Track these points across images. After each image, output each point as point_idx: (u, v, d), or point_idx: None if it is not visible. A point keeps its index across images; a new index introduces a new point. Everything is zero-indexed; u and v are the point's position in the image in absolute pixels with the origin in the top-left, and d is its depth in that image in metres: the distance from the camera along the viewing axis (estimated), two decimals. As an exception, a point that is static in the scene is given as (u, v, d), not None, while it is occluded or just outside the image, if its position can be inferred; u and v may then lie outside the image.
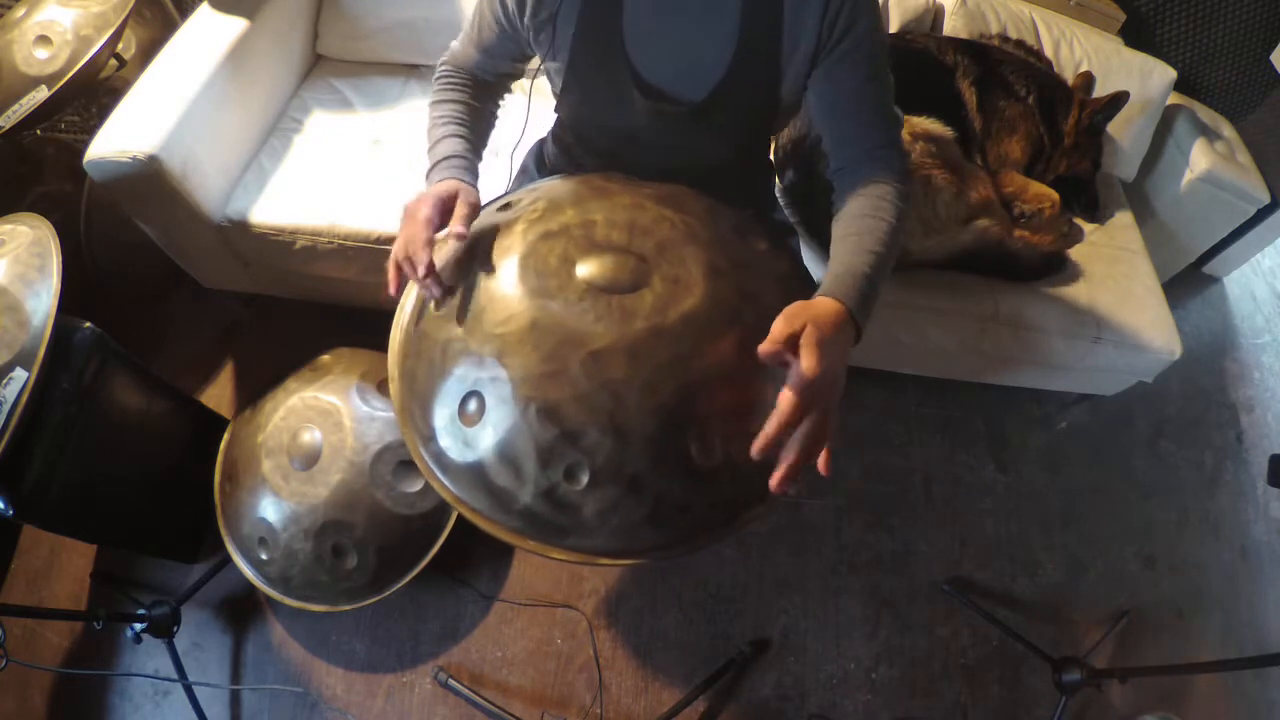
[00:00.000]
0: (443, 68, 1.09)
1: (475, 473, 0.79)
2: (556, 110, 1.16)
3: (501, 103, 1.16)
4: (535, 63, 1.06)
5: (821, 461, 0.75)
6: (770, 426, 0.72)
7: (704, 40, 0.94)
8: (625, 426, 0.76)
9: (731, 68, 0.96)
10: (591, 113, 1.09)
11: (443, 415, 0.81)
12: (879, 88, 0.96)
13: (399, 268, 0.89)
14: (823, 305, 0.79)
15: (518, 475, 0.77)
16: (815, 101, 0.98)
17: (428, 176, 0.98)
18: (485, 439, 0.78)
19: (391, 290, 0.90)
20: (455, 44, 1.09)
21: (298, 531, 1.47)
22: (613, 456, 0.76)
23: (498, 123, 1.15)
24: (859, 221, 0.91)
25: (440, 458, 0.82)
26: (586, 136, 1.16)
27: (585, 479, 0.76)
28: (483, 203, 1.05)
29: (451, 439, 0.81)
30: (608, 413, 0.75)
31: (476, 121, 1.06)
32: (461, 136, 1.01)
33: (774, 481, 0.73)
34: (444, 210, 0.90)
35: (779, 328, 0.74)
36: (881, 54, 0.95)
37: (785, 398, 0.72)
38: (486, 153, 1.09)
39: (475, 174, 0.99)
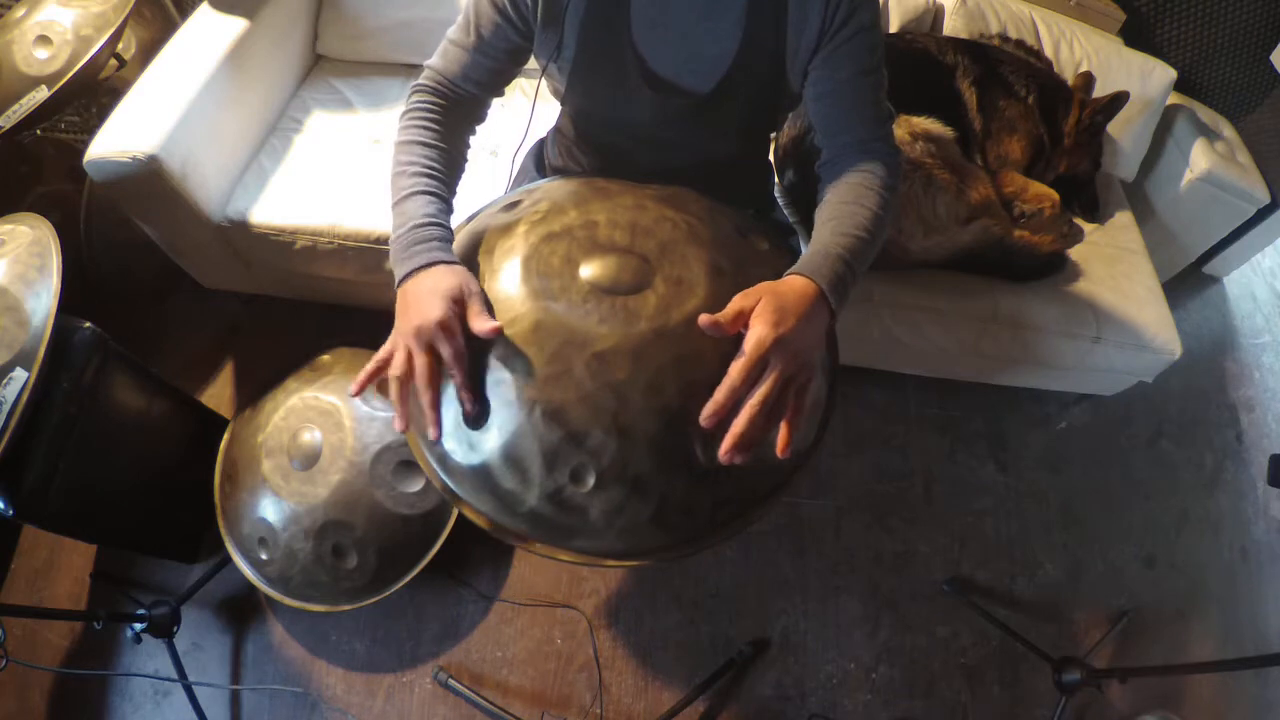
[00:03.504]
0: (414, 98, 0.97)
1: (481, 475, 0.79)
2: (562, 104, 1.16)
3: (472, 138, 1.03)
4: (538, 63, 1.06)
5: (780, 441, 0.74)
6: (718, 393, 0.72)
7: (709, 32, 0.95)
8: (629, 427, 0.76)
9: (736, 60, 0.96)
10: (596, 107, 1.09)
11: (447, 418, 0.81)
12: (874, 81, 0.96)
13: (403, 388, 0.78)
14: (788, 281, 0.80)
15: (523, 478, 0.77)
16: (810, 91, 0.98)
17: (397, 240, 0.85)
18: (490, 441, 0.78)
19: (400, 425, 0.79)
20: (433, 60, 0.99)
21: (298, 531, 1.47)
22: (618, 458, 0.75)
23: (498, 123, 1.15)
24: (839, 208, 0.92)
25: (445, 460, 0.82)
26: (589, 133, 1.16)
27: (591, 481, 0.76)
28: (480, 205, 1.05)
29: (456, 442, 0.80)
30: (612, 414, 0.75)
31: (449, 169, 0.94)
32: (434, 194, 0.89)
33: (721, 450, 0.73)
34: (460, 316, 0.79)
35: (733, 303, 0.76)
36: (878, 48, 0.96)
37: (733, 365, 0.73)
38: (486, 153, 1.08)
39: (452, 240, 0.88)
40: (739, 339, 0.76)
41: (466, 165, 1.01)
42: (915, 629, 1.78)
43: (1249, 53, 2.12)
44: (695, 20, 0.94)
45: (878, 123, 0.98)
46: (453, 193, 0.94)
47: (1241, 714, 1.81)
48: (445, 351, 0.77)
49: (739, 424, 0.72)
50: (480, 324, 0.78)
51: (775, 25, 0.93)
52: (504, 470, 0.78)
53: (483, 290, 0.82)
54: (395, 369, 0.78)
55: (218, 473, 1.62)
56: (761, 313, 0.74)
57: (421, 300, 0.78)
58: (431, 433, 0.78)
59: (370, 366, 0.80)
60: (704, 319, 0.74)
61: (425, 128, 0.94)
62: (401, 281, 0.83)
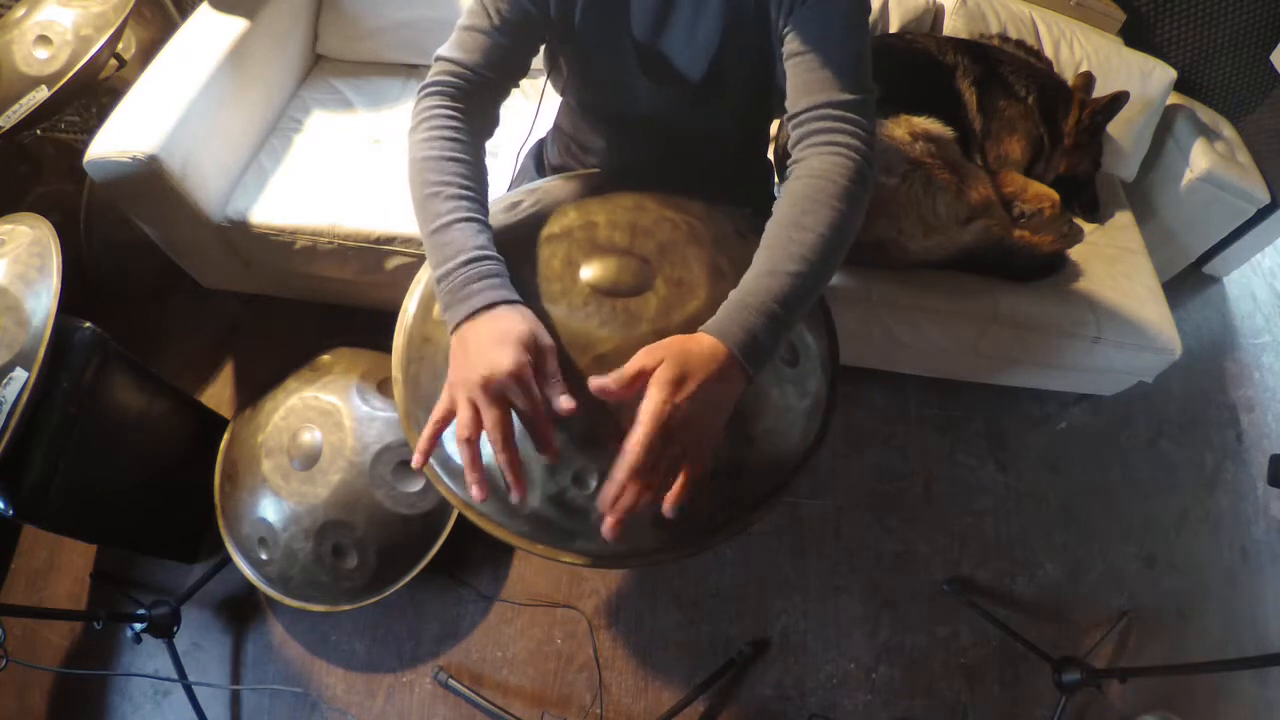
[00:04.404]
0: (429, 103, 0.88)
1: None
2: (562, 95, 1.16)
3: (489, 139, 0.94)
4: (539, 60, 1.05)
5: (666, 501, 0.69)
6: (620, 473, 0.67)
7: (699, 19, 0.95)
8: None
9: (722, 44, 0.96)
10: (595, 97, 1.09)
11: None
12: (851, 49, 0.85)
13: (474, 450, 0.70)
14: (697, 340, 0.72)
15: (526, 480, 0.77)
16: (783, 53, 0.89)
17: (449, 276, 0.76)
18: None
19: (479, 494, 0.70)
20: (446, 50, 0.90)
21: (298, 531, 1.47)
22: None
23: (503, 124, 1.14)
24: (777, 232, 0.79)
25: (446, 463, 0.81)
26: (588, 127, 1.16)
27: (594, 483, 0.76)
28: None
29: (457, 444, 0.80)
30: (614, 417, 0.75)
31: (480, 186, 0.85)
32: (478, 220, 0.80)
33: (606, 529, 0.68)
34: (534, 366, 0.71)
35: (631, 363, 0.70)
36: (858, 15, 0.87)
37: (630, 440, 0.67)
38: (486, 154, 1.07)
39: (508, 275, 0.78)
40: None
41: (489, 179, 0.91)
42: (915, 629, 1.78)
43: (1249, 53, 2.12)
44: (686, 7, 0.94)
45: (853, 89, 0.84)
46: (488, 213, 0.85)
47: (1241, 714, 1.81)
48: (521, 403, 0.69)
49: (624, 503, 0.68)
50: (559, 396, 0.70)
51: (758, 4, 0.92)
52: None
53: (555, 343, 0.74)
54: (463, 430, 0.69)
55: (218, 473, 1.62)
56: (659, 379, 0.68)
57: (487, 347, 0.70)
58: (515, 496, 0.71)
59: (429, 430, 0.72)
60: (594, 382, 0.69)
61: (452, 139, 0.85)
62: (459, 325, 0.74)
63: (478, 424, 0.69)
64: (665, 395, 0.67)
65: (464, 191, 0.82)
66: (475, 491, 0.70)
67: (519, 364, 0.69)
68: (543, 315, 0.79)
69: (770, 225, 0.81)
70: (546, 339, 0.73)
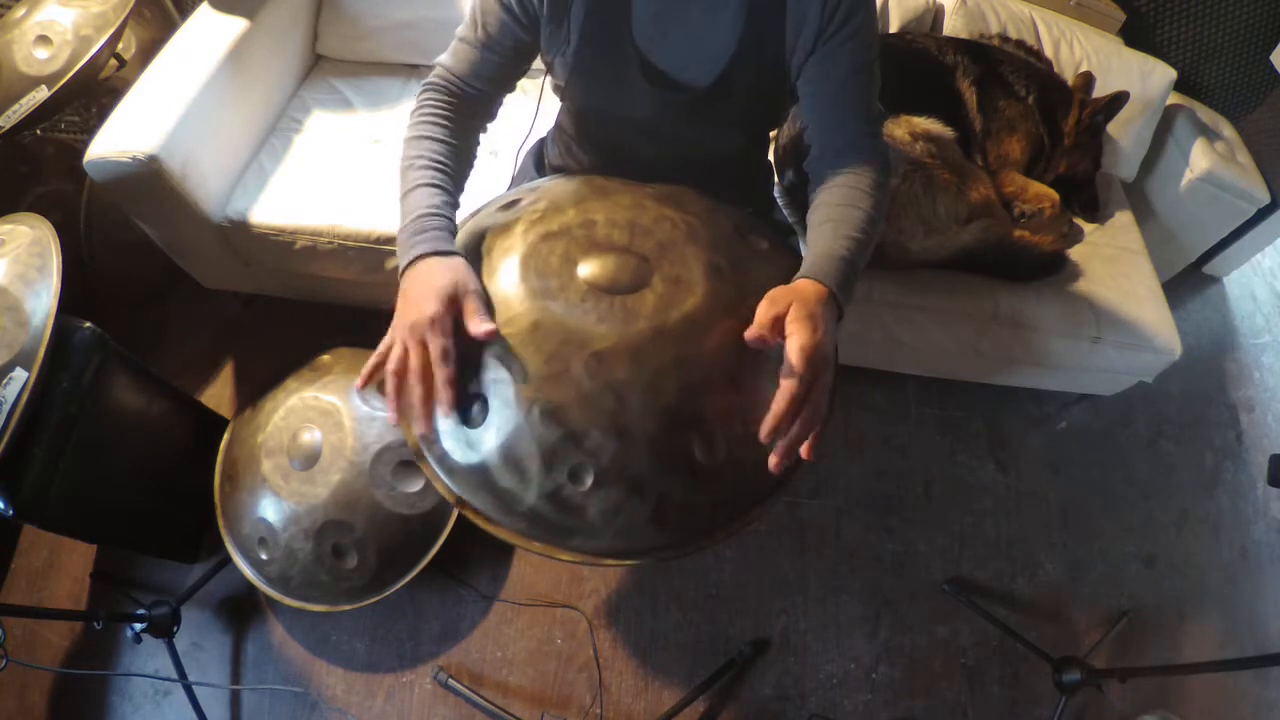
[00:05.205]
0: (424, 96, 0.98)
1: (479, 474, 0.79)
2: (562, 99, 1.16)
3: (483, 135, 1.04)
4: (543, 59, 1.06)
5: (806, 446, 0.76)
6: (780, 404, 0.74)
7: (710, 27, 0.96)
8: (628, 427, 0.76)
9: (736, 54, 0.97)
10: (595, 102, 1.09)
11: (446, 417, 0.81)
12: (867, 79, 0.97)
13: (399, 383, 0.79)
14: (805, 285, 0.82)
15: (522, 477, 0.77)
16: (805, 88, 1.00)
17: (401, 232, 0.86)
18: (489, 441, 0.78)
19: (393, 418, 0.81)
20: (443, 58, 1.00)
21: (298, 531, 1.47)
22: (616, 458, 0.75)
23: (499, 122, 1.14)
24: (834, 210, 0.93)
25: (444, 460, 0.82)
26: (589, 129, 1.16)
27: (590, 480, 0.76)
28: (481, 204, 1.05)
29: (455, 441, 0.80)
30: (610, 414, 0.75)
31: (456, 163, 0.95)
32: (439, 186, 0.90)
33: (774, 460, 0.75)
34: (454, 315, 0.79)
35: (763, 310, 0.78)
36: (873, 48, 0.97)
37: (789, 374, 0.74)
38: (486, 153, 1.08)
39: (455, 232, 0.89)
40: (743, 344, 0.78)
41: (475, 162, 1.01)
42: (915, 629, 1.78)
43: (1249, 53, 2.12)
44: (696, 16, 0.95)
45: (869, 120, 0.99)
46: (460, 187, 0.95)
47: (1241, 714, 1.81)
48: (433, 348, 0.77)
49: (794, 436, 0.75)
50: (476, 325, 0.78)
51: (775, 21, 0.94)
52: (502, 469, 0.78)
53: (481, 286, 0.82)
54: (391, 364, 0.79)
55: (218, 473, 1.62)
56: (796, 319, 0.76)
57: (417, 295, 0.79)
58: (419, 427, 0.78)
59: (372, 360, 0.81)
60: (751, 335, 0.77)
61: (434, 123, 0.95)
62: (402, 273, 0.84)
63: (404, 363, 0.78)
64: (806, 334, 0.76)
65: (431, 162, 0.91)
66: (390, 416, 0.80)
67: (438, 314, 0.77)
68: (540, 311, 0.80)
69: (824, 210, 0.94)
70: (470, 285, 0.81)
